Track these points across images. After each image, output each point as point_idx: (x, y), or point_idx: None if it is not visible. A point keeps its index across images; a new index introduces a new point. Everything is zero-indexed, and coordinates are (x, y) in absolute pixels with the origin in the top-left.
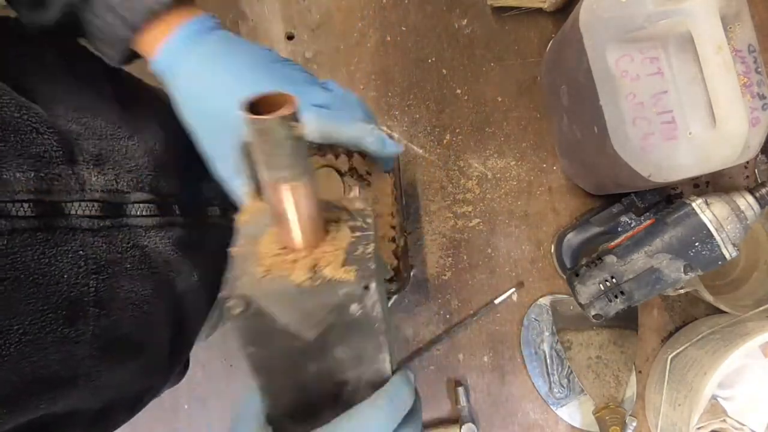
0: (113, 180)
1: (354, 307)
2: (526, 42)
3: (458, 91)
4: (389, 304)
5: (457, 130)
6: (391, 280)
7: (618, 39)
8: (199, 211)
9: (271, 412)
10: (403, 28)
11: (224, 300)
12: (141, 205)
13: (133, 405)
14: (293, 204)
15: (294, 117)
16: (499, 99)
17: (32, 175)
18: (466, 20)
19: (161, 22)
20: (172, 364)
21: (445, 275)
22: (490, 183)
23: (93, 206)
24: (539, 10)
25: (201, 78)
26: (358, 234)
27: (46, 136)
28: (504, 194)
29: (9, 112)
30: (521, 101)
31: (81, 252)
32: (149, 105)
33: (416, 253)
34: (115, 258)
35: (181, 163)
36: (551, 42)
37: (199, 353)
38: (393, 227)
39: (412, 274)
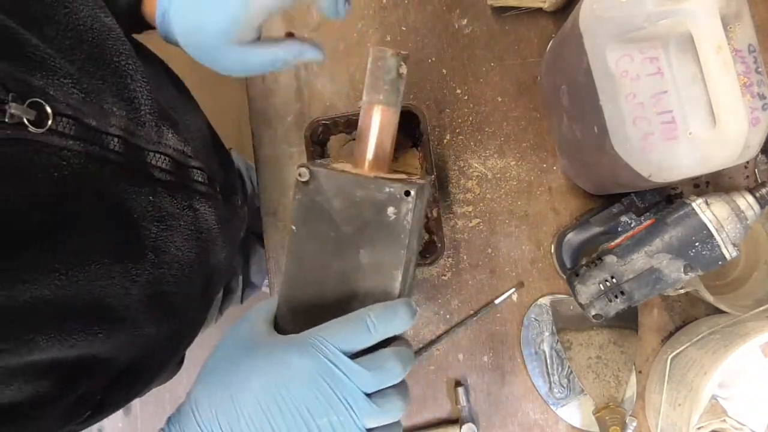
0: (182, 141)
1: (390, 210)
2: (526, 42)
3: (458, 91)
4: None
5: (457, 130)
6: (423, 253)
7: (618, 39)
8: (230, 196)
9: (279, 310)
10: (403, 28)
11: (297, 168)
12: (198, 171)
13: (150, 377)
14: (378, 124)
15: (405, 57)
16: (499, 99)
17: (124, 113)
18: (466, 20)
19: None
20: (183, 344)
21: (445, 275)
22: (490, 183)
23: (166, 160)
24: (539, 10)
25: (196, 11)
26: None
27: (139, 86)
28: (504, 194)
29: (113, 56)
30: (521, 101)
31: (151, 198)
32: (191, 94)
33: None
34: (174, 212)
35: (217, 151)
36: (551, 42)
37: (199, 353)
38: None
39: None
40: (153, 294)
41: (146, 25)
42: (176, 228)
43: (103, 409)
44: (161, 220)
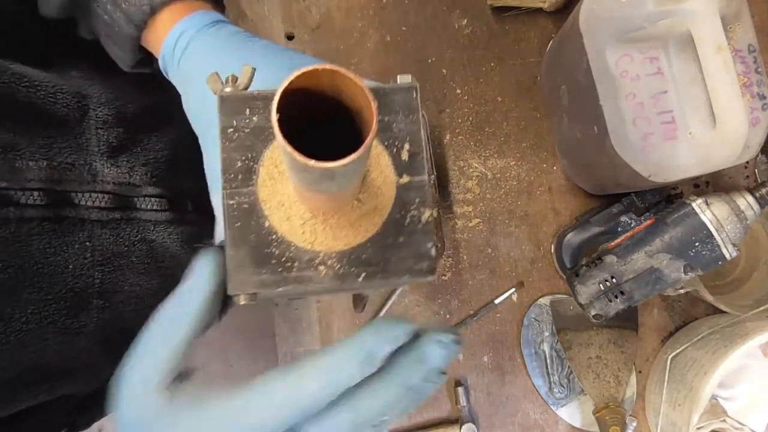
0: (127, 173)
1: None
2: (526, 42)
3: (458, 91)
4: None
5: (457, 130)
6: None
7: (618, 39)
8: (211, 208)
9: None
10: (403, 28)
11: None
12: (152, 199)
13: None
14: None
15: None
16: (499, 99)
17: (44, 164)
18: (466, 20)
19: (165, 16)
20: None
21: (445, 275)
22: (490, 183)
23: (103, 198)
24: (539, 10)
25: (210, 69)
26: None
27: (69, 126)
28: (504, 194)
29: (27, 105)
30: (521, 101)
31: (88, 243)
32: (171, 99)
33: None
34: (121, 251)
35: (198, 160)
36: (551, 42)
37: (198, 353)
38: None
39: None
40: (107, 337)
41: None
42: (127, 266)
43: (77, 426)
44: (105, 264)
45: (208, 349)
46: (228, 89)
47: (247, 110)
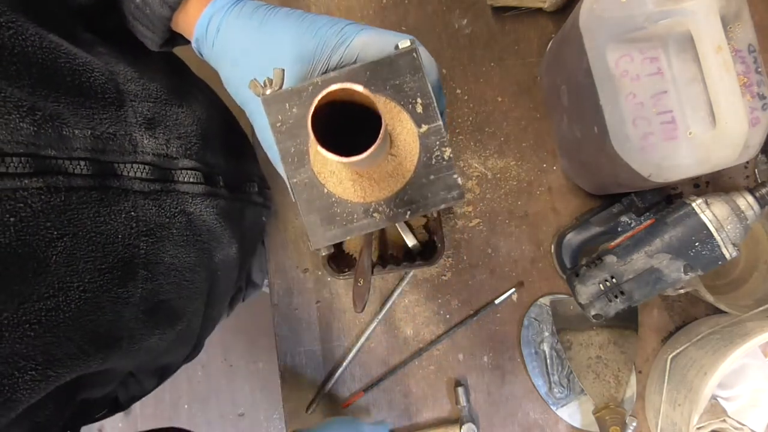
0: (164, 144)
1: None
2: (526, 42)
3: (458, 91)
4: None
5: (457, 130)
6: (423, 253)
7: (618, 39)
8: (240, 185)
9: None
10: (403, 28)
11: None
12: (189, 171)
13: (160, 374)
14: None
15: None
16: (499, 99)
17: (89, 133)
18: (466, 20)
19: None
20: (198, 339)
21: (445, 275)
22: (490, 183)
23: (144, 169)
24: (539, 10)
25: (242, 47)
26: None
27: (109, 96)
28: (504, 194)
29: (67, 75)
30: (521, 101)
31: (133, 213)
32: (194, 79)
33: None
34: (163, 222)
35: (225, 138)
36: (551, 42)
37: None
38: None
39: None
40: (149, 308)
41: (181, 39)
42: (168, 237)
43: (118, 406)
44: (149, 234)
45: (208, 349)
46: (268, 91)
47: (287, 105)
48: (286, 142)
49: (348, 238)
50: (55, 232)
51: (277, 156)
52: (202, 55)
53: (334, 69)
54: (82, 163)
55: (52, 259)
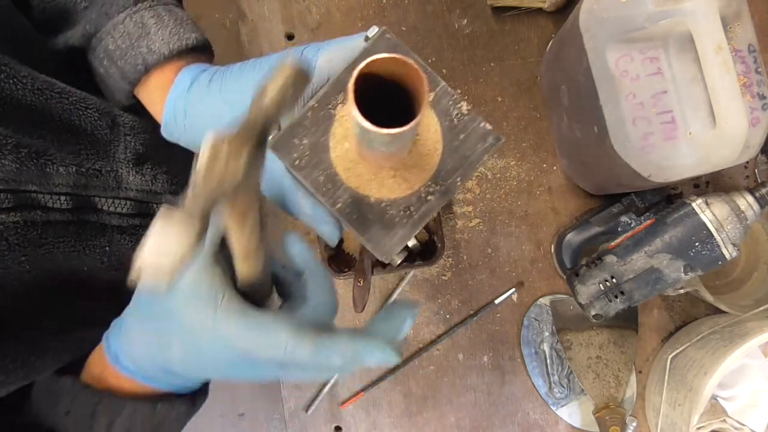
0: (150, 180)
1: None
2: (526, 42)
3: (458, 91)
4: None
5: None
6: (423, 253)
7: (618, 39)
8: None
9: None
10: (403, 28)
11: None
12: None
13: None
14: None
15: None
16: (499, 99)
17: (73, 169)
18: (466, 20)
19: (156, 75)
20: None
21: (445, 275)
22: (490, 183)
23: (126, 204)
24: (539, 10)
25: (213, 114)
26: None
27: (93, 130)
28: (504, 194)
29: (57, 113)
30: (521, 101)
31: (107, 248)
32: None
33: None
34: None
35: None
36: (551, 42)
37: None
38: None
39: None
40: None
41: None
42: None
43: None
44: (119, 268)
45: None
46: (270, 136)
47: (295, 140)
48: (312, 173)
49: (417, 232)
50: (27, 266)
51: (309, 207)
52: (176, 139)
53: (312, 97)
54: (63, 197)
55: (18, 293)
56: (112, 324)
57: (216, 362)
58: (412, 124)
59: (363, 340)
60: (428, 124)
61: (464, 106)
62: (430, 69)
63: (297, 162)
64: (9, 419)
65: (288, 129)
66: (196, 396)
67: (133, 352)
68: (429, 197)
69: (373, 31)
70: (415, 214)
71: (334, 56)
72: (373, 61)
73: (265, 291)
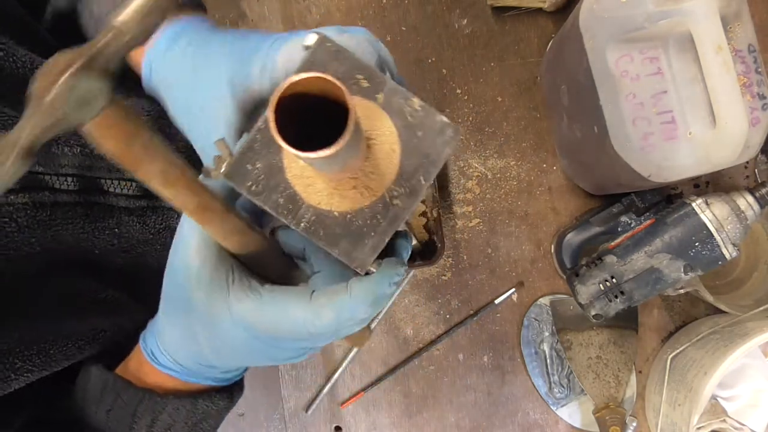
0: None
1: None
2: (526, 42)
3: (458, 91)
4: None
5: None
6: (423, 253)
7: (618, 39)
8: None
9: None
10: (403, 28)
11: None
12: None
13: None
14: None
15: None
16: (499, 99)
17: (78, 150)
18: (466, 20)
19: None
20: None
21: (445, 275)
22: (490, 183)
23: (131, 186)
24: (539, 10)
25: (181, 78)
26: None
27: None
28: (504, 194)
29: None
30: (521, 101)
31: (116, 230)
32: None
33: None
34: (146, 238)
35: None
36: (551, 42)
37: None
38: (422, 201)
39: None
40: (129, 282)
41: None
42: (149, 253)
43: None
44: (129, 251)
45: None
46: (223, 168)
47: (248, 165)
48: (270, 197)
49: (387, 239)
50: (38, 247)
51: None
52: (155, 96)
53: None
54: (69, 179)
55: (29, 276)
56: (149, 324)
57: (244, 345)
58: (340, 143)
59: (375, 276)
60: (381, 126)
61: (416, 102)
62: (374, 68)
63: (253, 188)
64: (46, 414)
65: (239, 155)
66: (233, 390)
67: (168, 348)
68: (395, 201)
69: (312, 39)
70: (383, 222)
71: (294, 52)
72: (292, 83)
73: (277, 272)
